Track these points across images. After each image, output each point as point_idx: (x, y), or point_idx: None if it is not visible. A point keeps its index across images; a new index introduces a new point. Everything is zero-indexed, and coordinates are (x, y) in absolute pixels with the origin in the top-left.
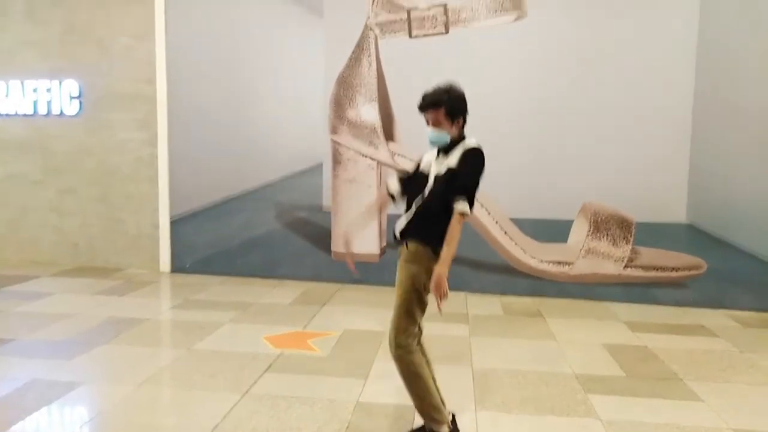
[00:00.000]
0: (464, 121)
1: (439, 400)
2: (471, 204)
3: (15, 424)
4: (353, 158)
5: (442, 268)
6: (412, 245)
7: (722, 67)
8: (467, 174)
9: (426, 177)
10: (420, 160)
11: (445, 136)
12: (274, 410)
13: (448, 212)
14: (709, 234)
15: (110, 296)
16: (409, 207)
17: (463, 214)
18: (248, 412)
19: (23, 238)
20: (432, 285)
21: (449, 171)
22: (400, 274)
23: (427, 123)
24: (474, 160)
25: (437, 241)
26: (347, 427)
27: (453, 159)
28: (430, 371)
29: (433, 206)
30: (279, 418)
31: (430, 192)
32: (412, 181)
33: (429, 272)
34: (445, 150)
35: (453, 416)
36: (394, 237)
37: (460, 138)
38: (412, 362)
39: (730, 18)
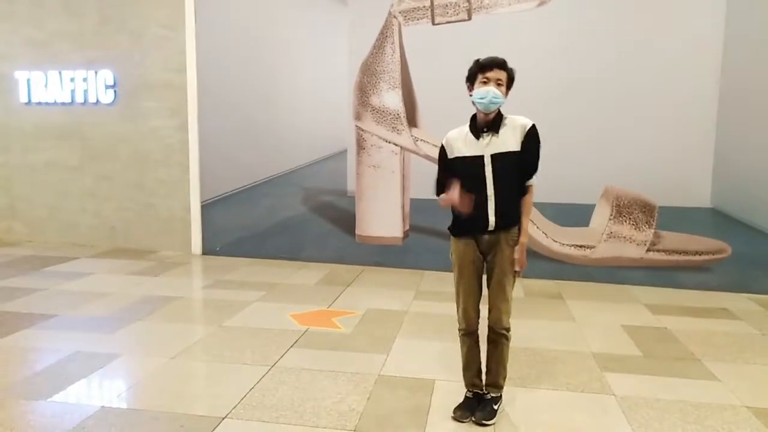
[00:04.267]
0: None
1: None
2: None
3: (59, 391)
4: (377, 144)
5: (525, 238)
6: (513, 229)
7: (749, 50)
8: (535, 154)
9: (473, 161)
10: (444, 149)
11: (502, 99)
12: (299, 382)
13: (520, 191)
14: (734, 218)
15: (145, 276)
16: (471, 193)
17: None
18: (275, 383)
19: (63, 221)
20: (518, 254)
21: (515, 153)
22: (499, 259)
23: (483, 83)
24: (537, 141)
25: (519, 218)
26: (369, 398)
27: (510, 138)
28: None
29: (510, 188)
30: (304, 389)
31: (502, 175)
32: (455, 170)
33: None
34: (488, 127)
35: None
36: (477, 228)
37: (500, 113)
38: (509, 341)
39: (757, 2)
